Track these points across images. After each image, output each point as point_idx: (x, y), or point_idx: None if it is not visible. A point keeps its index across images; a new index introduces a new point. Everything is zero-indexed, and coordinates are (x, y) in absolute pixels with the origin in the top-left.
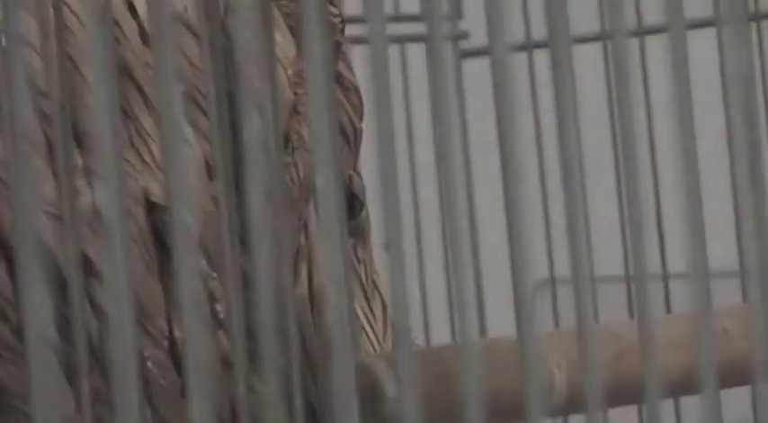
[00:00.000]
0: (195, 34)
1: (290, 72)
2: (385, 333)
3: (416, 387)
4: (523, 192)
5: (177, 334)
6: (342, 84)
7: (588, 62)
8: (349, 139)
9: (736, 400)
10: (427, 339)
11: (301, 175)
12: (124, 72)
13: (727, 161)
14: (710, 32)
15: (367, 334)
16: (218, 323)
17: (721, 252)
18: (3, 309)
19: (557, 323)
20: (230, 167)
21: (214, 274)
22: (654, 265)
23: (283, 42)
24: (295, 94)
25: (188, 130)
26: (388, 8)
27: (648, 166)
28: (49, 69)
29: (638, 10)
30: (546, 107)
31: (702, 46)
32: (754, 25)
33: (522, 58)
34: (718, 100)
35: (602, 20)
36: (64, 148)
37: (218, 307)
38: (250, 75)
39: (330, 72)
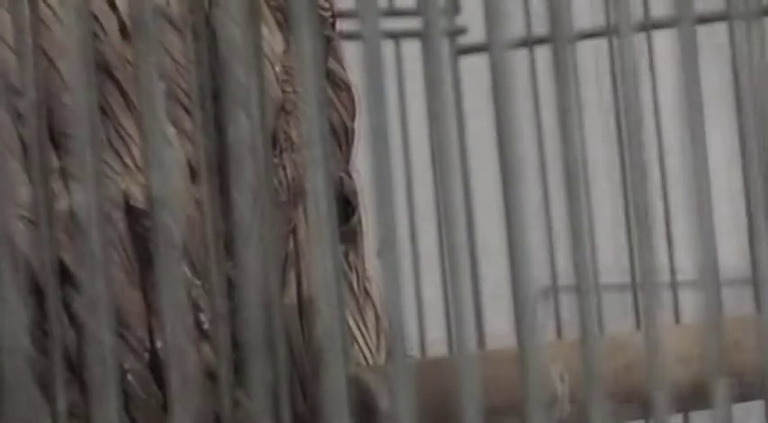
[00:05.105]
0: (178, 29)
1: (277, 69)
2: (378, 344)
3: (411, 401)
4: (523, 194)
5: (159, 345)
6: (333, 81)
7: (591, 59)
8: (340, 139)
9: (749, 415)
10: (423, 350)
11: (290, 177)
12: (103, 69)
13: (739, 164)
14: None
15: (359, 344)
16: (202, 334)
17: (733, 260)
18: None
19: (559, 333)
20: (215, 169)
21: (198, 282)
22: (662, 273)
23: (270, 37)
24: (283, 92)
25: (171, 131)
26: (382, 2)
27: (657, 169)
28: (24, 66)
29: (645, 3)
30: (547, 106)
31: (712, 41)
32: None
33: (522, 54)
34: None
35: (608, 14)
36: (39, 149)
37: (202, 317)
38: (236, 72)
39: (321, 69)
